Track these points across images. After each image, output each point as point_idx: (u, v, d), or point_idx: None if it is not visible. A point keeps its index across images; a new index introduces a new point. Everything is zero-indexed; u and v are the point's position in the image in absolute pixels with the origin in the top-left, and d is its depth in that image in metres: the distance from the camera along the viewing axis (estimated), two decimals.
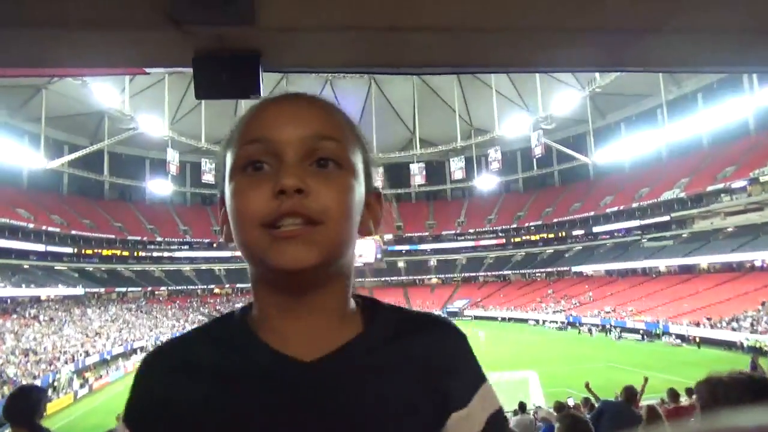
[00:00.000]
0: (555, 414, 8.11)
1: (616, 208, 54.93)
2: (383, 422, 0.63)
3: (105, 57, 1.89)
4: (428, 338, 0.71)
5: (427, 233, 68.83)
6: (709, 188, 45.22)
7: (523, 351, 31.61)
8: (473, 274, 65.75)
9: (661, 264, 48.11)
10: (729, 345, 29.01)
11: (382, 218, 0.76)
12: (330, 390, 0.63)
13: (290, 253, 0.60)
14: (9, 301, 40.25)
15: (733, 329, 30.14)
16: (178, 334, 0.74)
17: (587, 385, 9.24)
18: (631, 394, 5.84)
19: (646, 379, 9.05)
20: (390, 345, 0.69)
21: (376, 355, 0.67)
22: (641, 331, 36.15)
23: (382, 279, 63.65)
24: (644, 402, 10.59)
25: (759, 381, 1.34)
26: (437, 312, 56.04)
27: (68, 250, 51.55)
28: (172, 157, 57.20)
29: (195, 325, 0.71)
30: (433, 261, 67.71)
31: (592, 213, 57.59)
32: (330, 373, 0.64)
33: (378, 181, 0.76)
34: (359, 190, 0.67)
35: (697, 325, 32.77)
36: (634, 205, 52.78)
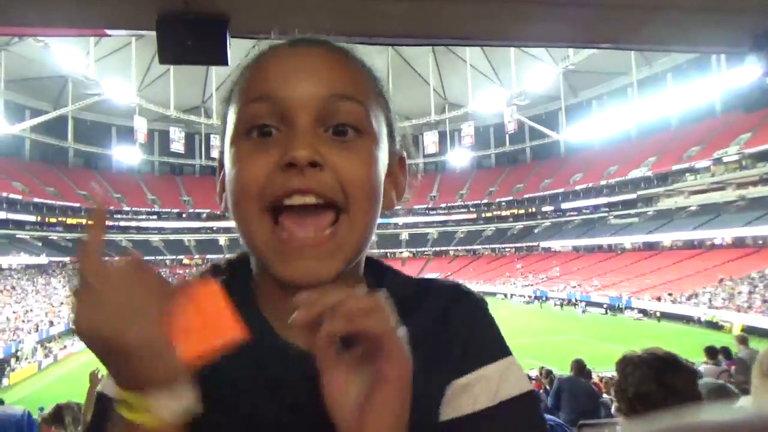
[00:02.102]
0: None
1: (585, 185, 55.85)
2: None
3: (63, 16, 1.80)
4: (439, 305, 0.63)
5: (399, 207, 68.90)
6: (675, 167, 46.26)
7: None
8: (444, 248, 66.37)
9: (626, 241, 49.28)
10: (687, 319, 30.07)
11: (406, 187, 0.67)
12: None
13: (303, 267, 0.51)
14: None
15: (695, 304, 31.21)
16: None
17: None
18: (580, 367, 6.02)
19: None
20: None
21: None
22: (605, 306, 37.16)
23: None
24: (605, 372, 10.97)
25: (663, 359, 1.41)
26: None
27: (31, 218, 50.18)
28: (140, 124, 55.72)
29: None
30: (404, 235, 68.04)
31: (561, 189, 58.46)
32: None
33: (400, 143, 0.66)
34: (383, 160, 0.58)
35: (659, 300, 33.83)
36: (603, 182, 53.73)
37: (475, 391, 0.58)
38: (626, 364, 1.44)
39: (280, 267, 0.51)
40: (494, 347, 0.61)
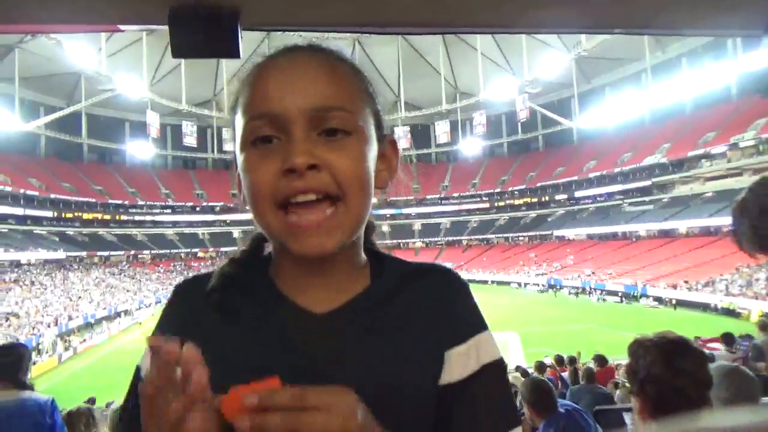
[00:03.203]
0: (521, 379, 8.35)
1: (598, 173, 55.38)
2: (387, 368, 0.66)
3: (75, 13, 1.82)
4: (430, 285, 0.74)
5: (411, 197, 68.95)
6: (690, 153, 45.69)
7: (506, 313, 32.20)
8: (457, 237, 66.29)
9: (641, 228, 48.85)
10: (704, 307, 29.81)
11: (398, 165, 0.76)
12: (340, 340, 0.67)
13: (311, 243, 0.63)
14: None
15: (711, 292, 30.91)
16: (206, 271, 0.77)
17: (578, 355, 9.56)
18: (591, 375, 6.01)
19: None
20: (395, 296, 0.72)
21: (382, 307, 0.71)
22: (620, 294, 36.94)
23: None
24: (620, 360, 10.92)
25: (673, 342, 1.45)
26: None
27: (48, 213, 50.83)
28: (152, 119, 56.12)
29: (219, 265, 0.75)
30: (417, 225, 68.05)
31: (575, 177, 58.02)
32: (340, 324, 0.68)
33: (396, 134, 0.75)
34: (372, 152, 0.68)
35: (675, 287, 33.55)
36: (617, 169, 53.23)
37: (466, 358, 0.70)
38: (637, 347, 1.49)
39: (294, 245, 0.63)
40: (478, 322, 0.74)
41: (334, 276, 0.71)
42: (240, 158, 0.66)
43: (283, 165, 0.61)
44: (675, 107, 52.49)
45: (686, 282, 33.40)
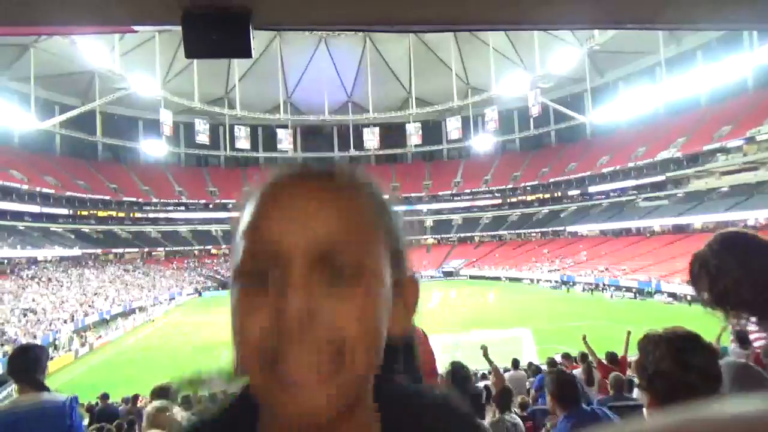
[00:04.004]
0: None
1: (612, 168, 54.90)
2: None
3: (91, 14, 1.84)
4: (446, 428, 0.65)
5: (423, 193, 68.87)
6: (705, 148, 45.13)
7: (518, 309, 32.14)
8: (469, 234, 66.10)
9: (656, 223, 48.38)
10: None
11: (416, 307, 0.63)
12: None
13: (301, 401, 0.48)
14: (6, 262, 40.42)
15: None
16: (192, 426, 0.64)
17: (584, 338, 9.40)
18: (619, 383, 5.62)
19: (628, 333, 9.22)
20: None
21: None
22: (634, 290, 36.65)
23: None
24: (632, 357, 10.83)
25: (683, 338, 1.46)
26: (433, 274, 55.65)
27: (63, 211, 51.47)
28: (166, 117, 56.53)
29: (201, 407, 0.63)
30: (429, 221, 67.93)
31: (588, 173, 57.57)
32: None
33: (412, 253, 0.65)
34: (385, 297, 0.55)
35: (689, 283, 33.18)
36: (630, 164, 52.73)
37: None
38: (647, 342, 1.48)
39: (279, 400, 0.49)
40: None
41: None
42: (231, 286, 0.54)
43: (275, 314, 0.49)
44: (690, 101, 51.86)
45: None
